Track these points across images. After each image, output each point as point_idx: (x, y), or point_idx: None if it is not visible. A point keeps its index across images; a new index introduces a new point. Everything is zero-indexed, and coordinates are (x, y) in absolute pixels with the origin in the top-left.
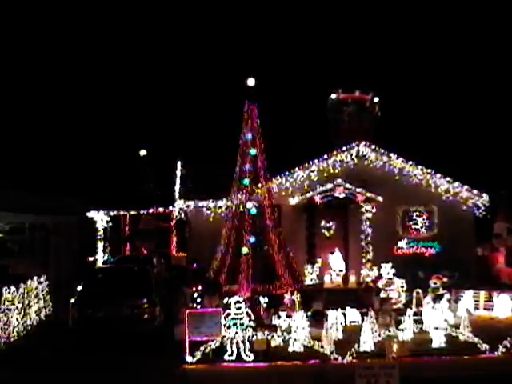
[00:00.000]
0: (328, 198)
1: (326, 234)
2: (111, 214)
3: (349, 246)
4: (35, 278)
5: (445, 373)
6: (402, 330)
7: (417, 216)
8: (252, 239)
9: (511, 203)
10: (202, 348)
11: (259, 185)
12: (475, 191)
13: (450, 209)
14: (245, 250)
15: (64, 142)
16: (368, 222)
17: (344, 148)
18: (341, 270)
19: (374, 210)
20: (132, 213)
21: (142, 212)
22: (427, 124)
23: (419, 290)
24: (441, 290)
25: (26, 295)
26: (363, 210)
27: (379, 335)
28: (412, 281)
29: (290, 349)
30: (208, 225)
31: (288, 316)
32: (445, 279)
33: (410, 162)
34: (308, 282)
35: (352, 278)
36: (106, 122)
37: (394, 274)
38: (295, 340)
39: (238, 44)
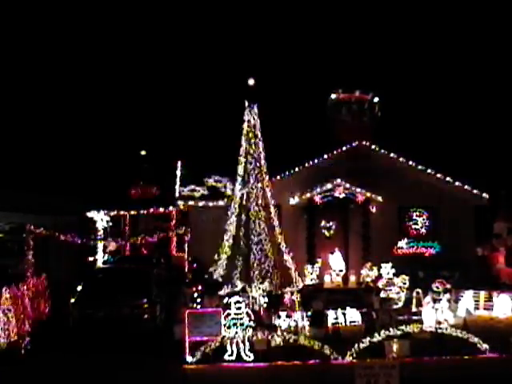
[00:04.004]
0: (328, 197)
1: (326, 233)
2: (111, 213)
3: (349, 246)
4: (35, 277)
5: (445, 373)
6: (402, 329)
7: (417, 216)
8: (252, 239)
9: (511, 203)
10: (201, 348)
11: (259, 184)
12: (475, 191)
13: (450, 209)
14: (244, 249)
15: (64, 142)
16: (368, 222)
17: (344, 148)
18: (341, 270)
19: (374, 210)
20: (132, 213)
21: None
22: (427, 123)
23: (419, 290)
24: (442, 294)
25: (25, 295)
26: (363, 210)
27: (379, 335)
28: (412, 281)
29: (290, 349)
30: (208, 225)
31: (288, 316)
32: (448, 285)
33: (411, 162)
34: (308, 281)
35: (352, 278)
36: (106, 122)
37: (393, 274)
38: (295, 339)
39: (237, 44)
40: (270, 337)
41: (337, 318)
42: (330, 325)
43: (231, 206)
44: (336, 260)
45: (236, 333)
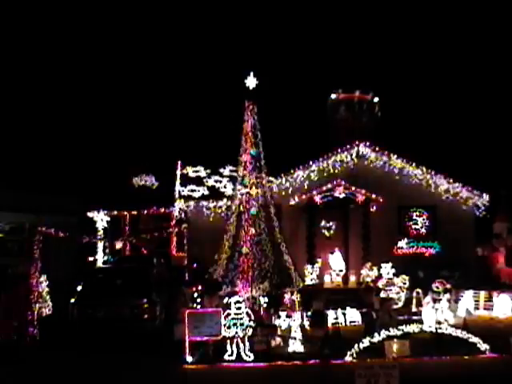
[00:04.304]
0: (328, 197)
1: (326, 234)
2: (111, 213)
3: (349, 246)
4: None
5: (445, 373)
6: (402, 329)
7: (417, 216)
8: (252, 239)
9: (511, 203)
10: (201, 348)
11: (259, 184)
12: (475, 191)
13: (450, 209)
14: (245, 249)
15: (64, 142)
16: (368, 222)
17: (344, 148)
18: (341, 270)
19: (373, 210)
20: (132, 213)
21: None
22: (427, 124)
23: (419, 290)
24: (442, 294)
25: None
26: (363, 210)
27: (379, 335)
28: (412, 281)
29: (290, 349)
30: (208, 225)
31: (288, 316)
32: (448, 285)
33: (410, 162)
34: (308, 282)
35: (352, 278)
36: (106, 123)
37: (393, 274)
38: (295, 340)
39: (237, 44)
40: (269, 337)
41: (337, 318)
42: (330, 325)
43: (231, 206)
44: (336, 260)
45: (236, 333)
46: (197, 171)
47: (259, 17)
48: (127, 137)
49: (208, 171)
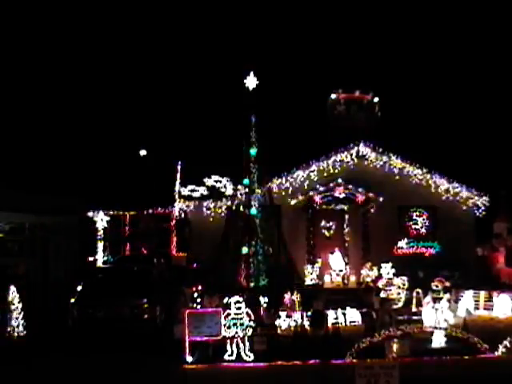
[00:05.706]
0: (328, 197)
1: (326, 234)
2: (111, 213)
3: (349, 246)
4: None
5: (445, 373)
6: (402, 329)
7: (417, 216)
8: (252, 239)
9: (511, 203)
10: (201, 348)
11: (260, 184)
12: (475, 191)
13: (450, 209)
14: (245, 249)
15: (64, 142)
16: (368, 222)
17: (344, 148)
18: (341, 270)
19: (373, 210)
20: (132, 213)
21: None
22: (427, 124)
23: (419, 290)
24: (441, 293)
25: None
26: (363, 210)
27: (379, 335)
28: (412, 281)
29: (290, 348)
30: (208, 225)
31: (288, 316)
32: (447, 283)
33: (410, 162)
34: (308, 282)
35: (352, 278)
36: (106, 122)
37: (393, 274)
38: (295, 340)
39: (237, 44)
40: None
41: (337, 318)
42: (330, 325)
43: (231, 206)
44: (336, 260)
45: (236, 333)
46: (197, 171)
47: (259, 17)
48: (128, 137)
49: (208, 171)
